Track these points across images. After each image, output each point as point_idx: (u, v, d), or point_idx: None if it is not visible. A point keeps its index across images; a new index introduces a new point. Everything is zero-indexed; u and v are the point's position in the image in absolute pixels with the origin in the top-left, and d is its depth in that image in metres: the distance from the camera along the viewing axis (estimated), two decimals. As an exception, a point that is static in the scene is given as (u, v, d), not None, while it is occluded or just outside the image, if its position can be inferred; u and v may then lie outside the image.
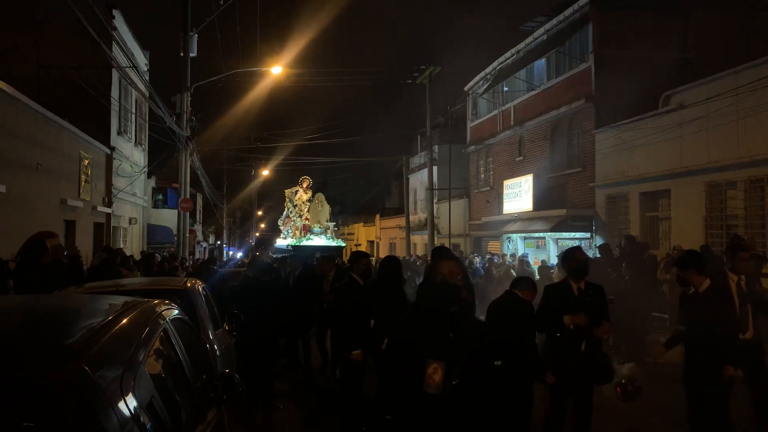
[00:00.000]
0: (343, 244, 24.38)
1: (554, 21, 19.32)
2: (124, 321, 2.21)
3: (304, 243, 21.31)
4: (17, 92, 10.78)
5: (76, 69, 14.54)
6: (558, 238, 19.21)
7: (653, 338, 8.73)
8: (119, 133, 18.38)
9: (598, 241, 15.91)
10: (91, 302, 2.81)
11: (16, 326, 2.08)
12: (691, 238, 12.43)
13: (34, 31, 15.61)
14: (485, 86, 24.96)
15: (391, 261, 6.38)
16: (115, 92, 17.35)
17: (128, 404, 1.72)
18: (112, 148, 17.26)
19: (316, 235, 22.25)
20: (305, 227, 22.55)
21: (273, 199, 48.78)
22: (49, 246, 6.26)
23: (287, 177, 35.84)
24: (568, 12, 18.36)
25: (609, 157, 16.51)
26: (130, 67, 13.46)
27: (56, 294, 4.10)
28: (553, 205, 18.61)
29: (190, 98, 17.38)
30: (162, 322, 2.56)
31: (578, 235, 17.74)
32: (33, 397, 1.51)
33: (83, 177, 14.60)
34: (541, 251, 20.11)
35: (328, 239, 22.31)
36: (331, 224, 23.62)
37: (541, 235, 19.91)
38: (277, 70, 19.85)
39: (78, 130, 14.18)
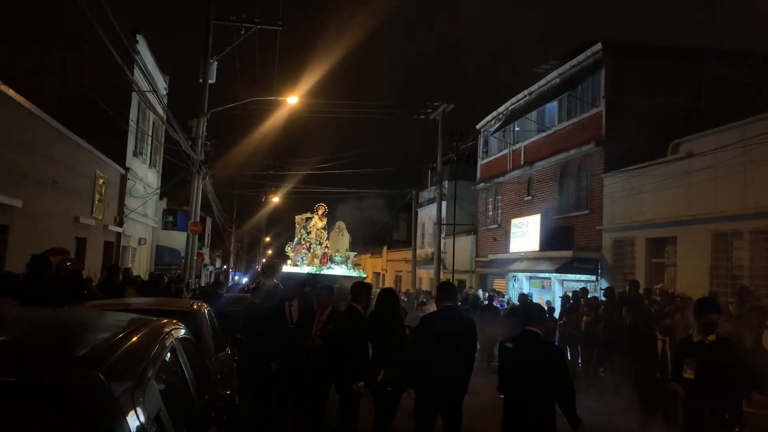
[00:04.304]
0: (365, 275, 23.75)
1: (567, 65, 19.66)
2: (136, 337, 2.33)
3: (325, 272, 20.79)
4: (39, 110, 11.06)
5: (97, 90, 14.90)
6: (563, 280, 19.22)
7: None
8: (135, 154, 18.70)
9: (603, 284, 15.92)
10: (105, 318, 2.94)
11: (38, 336, 2.21)
12: (697, 286, 12.43)
13: (61, 53, 16.07)
14: (497, 125, 25.26)
15: (388, 293, 6.55)
16: (133, 114, 17.71)
17: (138, 416, 1.82)
18: (127, 169, 17.56)
19: (337, 264, 21.83)
20: (325, 255, 22.07)
21: (280, 225, 49.03)
22: (54, 262, 6.43)
23: (296, 205, 36.19)
24: (581, 57, 18.68)
25: (617, 201, 16.61)
26: (150, 91, 13.78)
27: (72, 308, 4.23)
28: (560, 246, 18.66)
29: (206, 123, 17.71)
30: (170, 340, 2.67)
31: (584, 277, 17.75)
32: (52, 402, 1.63)
33: (97, 196, 14.85)
34: (547, 292, 20.09)
35: (349, 269, 21.85)
36: (352, 254, 23.22)
37: (547, 275, 19.93)
38: (293, 100, 20.15)
39: (95, 150, 14.47)
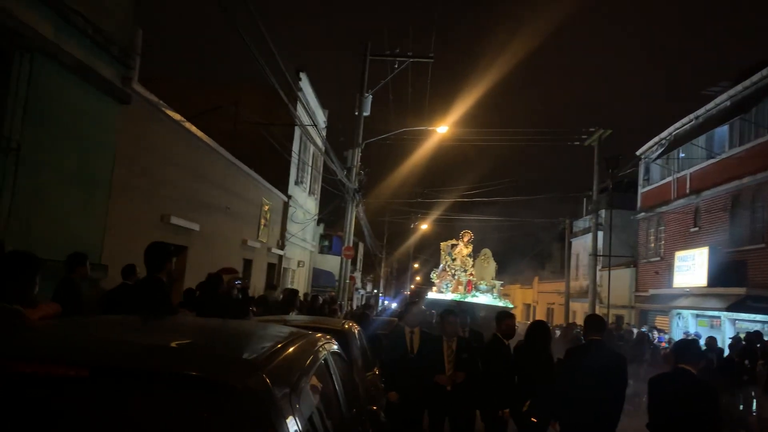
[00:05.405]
0: (511, 306, 23.07)
1: (739, 87, 18.17)
2: (294, 347, 2.58)
3: (469, 300, 20.47)
4: (217, 145, 12.35)
5: (265, 125, 16.28)
6: (735, 319, 17.53)
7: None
8: (296, 183, 20.07)
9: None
10: (268, 329, 3.27)
11: (211, 340, 2.55)
12: None
13: (234, 92, 17.81)
14: (659, 152, 23.83)
15: (539, 325, 6.47)
16: (295, 146, 19.07)
17: (295, 418, 2.03)
18: (289, 197, 18.89)
19: (482, 292, 21.46)
20: (470, 283, 21.83)
21: (428, 252, 49.60)
22: (225, 280, 7.15)
23: (443, 232, 36.33)
24: (755, 77, 17.19)
25: (800, 234, 14.94)
26: (311, 125, 14.79)
27: (240, 321, 4.72)
28: (731, 283, 17.09)
29: (360, 154, 18.59)
30: (323, 353, 2.91)
31: (759, 317, 16.07)
32: (224, 396, 1.89)
33: (263, 221, 16.12)
34: (716, 331, 18.40)
35: (494, 298, 21.42)
36: (498, 283, 22.76)
37: (716, 314, 18.29)
38: (443, 129, 20.50)
39: (262, 179, 15.78)
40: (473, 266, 22.25)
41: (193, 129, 11.12)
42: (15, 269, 3.59)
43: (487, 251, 22.89)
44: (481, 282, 21.73)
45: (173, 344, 2.36)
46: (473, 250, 22.78)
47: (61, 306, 3.52)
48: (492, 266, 22.53)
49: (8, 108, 5.98)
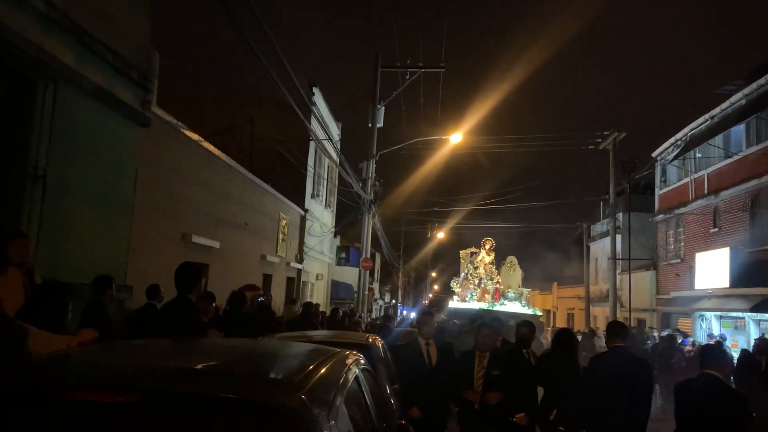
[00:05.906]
0: (539, 313, 22.69)
1: (754, 85, 18.03)
2: (326, 366, 2.64)
3: (497, 308, 20.11)
4: (234, 162, 12.50)
5: (280, 141, 16.44)
6: (761, 320, 17.32)
7: None
8: (312, 196, 20.20)
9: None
10: (298, 348, 3.34)
11: (247, 361, 2.62)
12: None
13: (249, 109, 18.01)
14: (675, 153, 23.68)
15: (564, 333, 6.46)
16: (311, 160, 19.21)
17: (332, 435, 2.08)
18: (306, 210, 19.01)
19: (510, 300, 21.19)
20: (497, 291, 21.55)
21: (446, 261, 49.55)
22: (249, 297, 7.25)
23: (460, 240, 36.31)
24: (770, 75, 17.08)
25: (823, 232, 14.75)
26: (326, 139, 14.91)
27: (267, 339, 4.78)
28: (754, 283, 16.90)
29: (374, 165, 18.66)
30: (354, 370, 2.97)
31: (785, 317, 15.88)
32: (265, 416, 1.96)
33: (281, 236, 16.23)
34: (740, 333, 18.21)
35: (523, 306, 21.11)
36: (526, 290, 22.49)
37: (740, 314, 18.09)
38: (456, 138, 20.51)
39: (279, 194, 15.91)
40: (498, 274, 22.05)
41: (211, 148, 11.27)
42: (48, 299, 3.70)
43: (512, 258, 22.73)
44: (509, 290, 21.55)
45: (215, 367, 2.43)
46: (496, 258, 22.64)
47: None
48: (518, 273, 22.34)
49: (34, 137, 6.13)
